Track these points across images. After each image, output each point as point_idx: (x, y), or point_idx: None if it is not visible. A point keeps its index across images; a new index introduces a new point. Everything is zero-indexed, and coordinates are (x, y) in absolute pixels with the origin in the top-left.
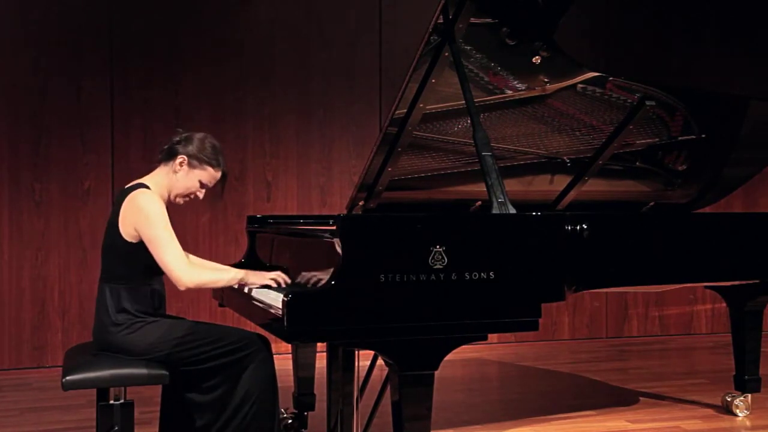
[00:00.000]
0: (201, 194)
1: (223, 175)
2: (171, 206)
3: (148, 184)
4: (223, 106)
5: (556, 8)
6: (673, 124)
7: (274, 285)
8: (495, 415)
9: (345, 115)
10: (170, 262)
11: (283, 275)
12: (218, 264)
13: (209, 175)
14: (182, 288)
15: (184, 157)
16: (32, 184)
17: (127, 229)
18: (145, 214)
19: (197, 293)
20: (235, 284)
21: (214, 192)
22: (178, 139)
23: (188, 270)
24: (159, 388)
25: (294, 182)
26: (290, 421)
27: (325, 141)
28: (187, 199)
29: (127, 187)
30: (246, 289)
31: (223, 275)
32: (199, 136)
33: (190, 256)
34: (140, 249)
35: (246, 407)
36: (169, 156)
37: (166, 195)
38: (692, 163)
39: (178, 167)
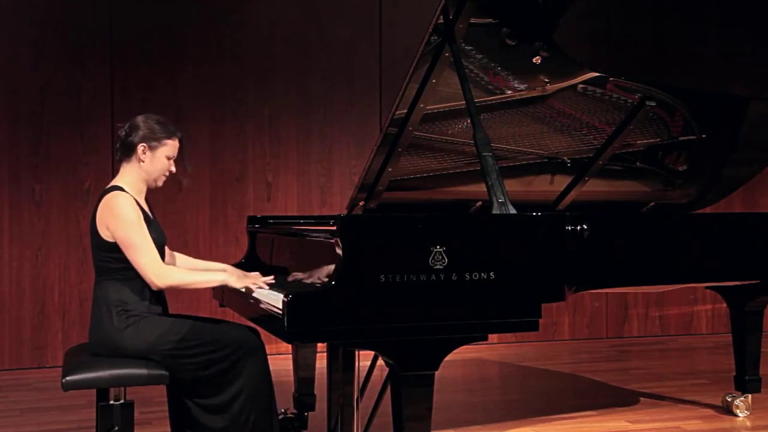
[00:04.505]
0: (173, 167)
1: (180, 141)
2: (154, 191)
3: (122, 186)
4: (223, 106)
5: (556, 8)
6: (673, 125)
7: (254, 288)
8: (495, 415)
9: (345, 115)
10: (143, 264)
11: (263, 278)
12: (210, 262)
13: (170, 147)
14: (155, 288)
15: (143, 144)
16: (32, 184)
17: (103, 229)
18: (116, 215)
19: (197, 293)
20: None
21: (181, 167)
22: (125, 132)
23: (161, 271)
24: (158, 388)
25: (294, 182)
26: (290, 421)
27: (325, 141)
28: (165, 177)
29: (104, 189)
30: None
31: (200, 277)
32: (140, 119)
33: (180, 255)
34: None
35: (245, 410)
36: (128, 151)
37: (144, 187)
38: (692, 164)
39: (142, 156)
